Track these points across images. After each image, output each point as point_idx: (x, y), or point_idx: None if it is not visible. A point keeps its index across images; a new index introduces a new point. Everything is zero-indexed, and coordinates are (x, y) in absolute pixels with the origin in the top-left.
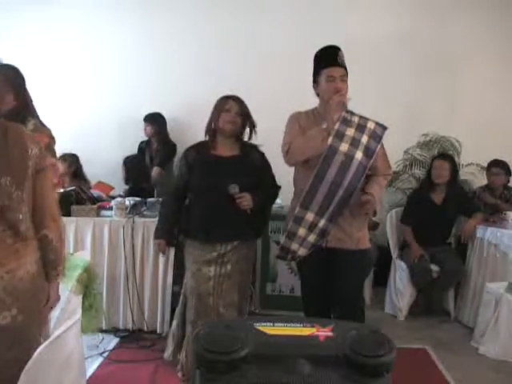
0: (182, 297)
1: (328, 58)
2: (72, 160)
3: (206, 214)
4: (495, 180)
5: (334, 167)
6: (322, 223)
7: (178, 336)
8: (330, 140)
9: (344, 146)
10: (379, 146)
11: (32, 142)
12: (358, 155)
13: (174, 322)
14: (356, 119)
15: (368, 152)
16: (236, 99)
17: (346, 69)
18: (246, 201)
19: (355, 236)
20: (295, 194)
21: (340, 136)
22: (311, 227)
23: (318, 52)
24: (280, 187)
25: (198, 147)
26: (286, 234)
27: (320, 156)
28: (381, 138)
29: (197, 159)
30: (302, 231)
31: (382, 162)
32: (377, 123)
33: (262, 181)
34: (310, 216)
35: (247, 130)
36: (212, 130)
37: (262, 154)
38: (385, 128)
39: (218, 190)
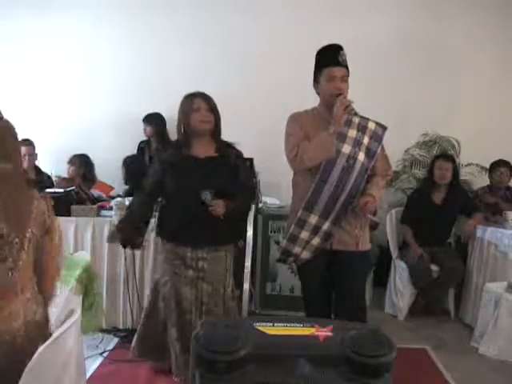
0: (150, 295)
1: (330, 57)
2: (81, 161)
3: (180, 216)
4: (502, 179)
5: (338, 169)
6: (326, 226)
7: (143, 335)
8: None
9: (346, 148)
10: (380, 147)
11: (37, 197)
12: (361, 156)
13: (141, 320)
14: (356, 120)
15: (369, 153)
16: (202, 96)
17: (347, 69)
18: (218, 208)
19: (357, 238)
20: (295, 197)
21: (342, 138)
22: (315, 230)
23: (319, 50)
24: (254, 189)
25: (173, 146)
26: (287, 237)
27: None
28: (381, 138)
29: (171, 159)
30: (304, 234)
31: (382, 162)
32: (377, 123)
33: (237, 181)
34: (313, 219)
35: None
36: (183, 132)
37: (239, 153)
38: (385, 128)
39: (193, 193)
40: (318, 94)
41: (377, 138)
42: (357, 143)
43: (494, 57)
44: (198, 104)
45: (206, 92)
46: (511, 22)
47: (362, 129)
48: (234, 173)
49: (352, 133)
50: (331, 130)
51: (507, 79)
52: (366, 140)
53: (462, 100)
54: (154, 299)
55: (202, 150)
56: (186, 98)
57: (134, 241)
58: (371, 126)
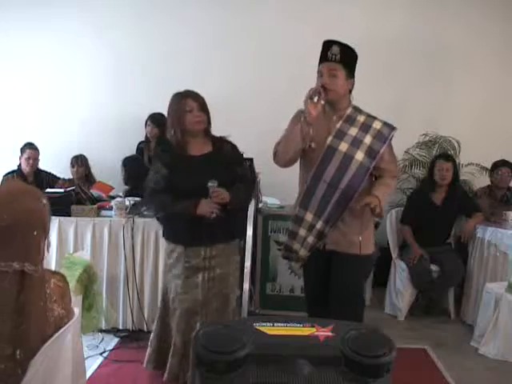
0: (160, 303)
1: (321, 54)
2: (83, 162)
3: (188, 218)
4: (503, 179)
5: (332, 168)
6: (319, 225)
7: (159, 345)
8: (329, 140)
9: (343, 146)
10: (384, 147)
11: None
12: (359, 156)
13: (154, 331)
14: (362, 118)
15: (371, 153)
16: (193, 96)
17: (342, 63)
18: (222, 194)
19: (355, 240)
20: (298, 194)
21: (341, 135)
22: (310, 228)
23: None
24: (254, 181)
25: (170, 148)
26: (288, 233)
27: (320, 155)
28: (387, 138)
29: (171, 161)
30: (302, 231)
31: (389, 163)
32: (384, 123)
33: (235, 174)
34: (308, 216)
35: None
36: (175, 133)
37: (234, 146)
38: (392, 128)
39: (197, 191)
40: None
41: (381, 137)
42: (356, 142)
43: (494, 57)
44: (190, 105)
45: (205, 92)
46: (511, 22)
47: (366, 128)
48: (231, 166)
49: (353, 131)
50: (302, 121)
51: (507, 79)
52: (368, 139)
53: (463, 100)
54: (165, 307)
55: (198, 148)
56: (176, 98)
57: None
58: (377, 125)
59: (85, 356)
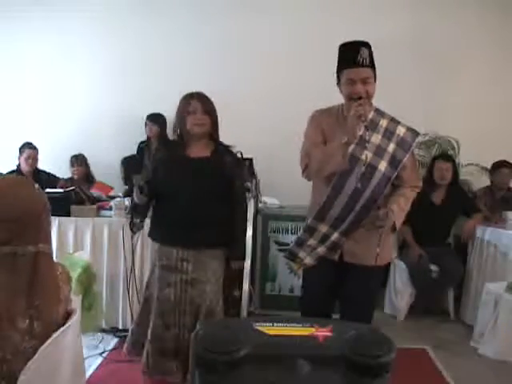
0: (143, 296)
1: (348, 58)
2: (83, 161)
3: (165, 215)
4: (504, 180)
5: (354, 178)
6: (334, 236)
7: (137, 334)
8: (350, 148)
9: (366, 155)
10: (408, 156)
11: (64, 281)
12: (382, 166)
13: (134, 320)
14: (385, 123)
15: (394, 162)
16: (199, 98)
17: (372, 67)
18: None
19: (374, 251)
20: (311, 201)
21: (363, 144)
22: (323, 239)
23: (340, 46)
24: (248, 190)
25: (170, 145)
26: (295, 239)
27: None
28: (411, 145)
29: (163, 158)
30: (312, 242)
31: (411, 172)
32: (408, 128)
33: (232, 186)
34: (323, 228)
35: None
36: (179, 133)
37: (236, 158)
38: (416, 134)
39: (180, 191)
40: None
41: (405, 145)
42: (380, 150)
43: (494, 56)
44: (193, 106)
45: (205, 92)
46: (511, 21)
47: (389, 134)
48: (225, 176)
49: (376, 138)
50: (344, 140)
51: (507, 79)
52: (391, 147)
53: (462, 100)
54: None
55: (197, 150)
56: (183, 98)
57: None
58: (400, 131)
59: (84, 356)
